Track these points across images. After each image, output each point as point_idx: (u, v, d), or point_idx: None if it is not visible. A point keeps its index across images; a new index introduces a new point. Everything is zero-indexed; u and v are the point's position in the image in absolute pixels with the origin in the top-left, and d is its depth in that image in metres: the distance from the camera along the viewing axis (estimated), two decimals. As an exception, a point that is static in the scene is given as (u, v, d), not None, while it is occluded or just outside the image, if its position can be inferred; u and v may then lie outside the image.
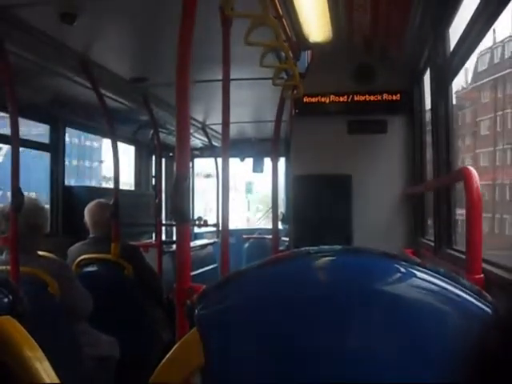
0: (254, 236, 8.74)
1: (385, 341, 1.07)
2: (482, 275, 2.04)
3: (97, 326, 3.50)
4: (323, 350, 1.08)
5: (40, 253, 3.31)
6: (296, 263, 1.14)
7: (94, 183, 29.13)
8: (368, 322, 1.07)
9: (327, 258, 1.13)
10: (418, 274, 1.10)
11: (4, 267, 3.02)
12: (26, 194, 3.19)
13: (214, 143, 7.41)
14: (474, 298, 1.09)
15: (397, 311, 1.07)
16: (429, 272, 1.11)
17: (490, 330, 1.08)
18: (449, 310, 1.08)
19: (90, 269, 4.11)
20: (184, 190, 1.94)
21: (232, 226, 3.08)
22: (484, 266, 2.10)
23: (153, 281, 4.41)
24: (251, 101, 5.57)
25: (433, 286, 1.09)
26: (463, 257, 2.50)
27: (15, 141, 3.21)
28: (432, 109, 3.66)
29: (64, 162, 5.16)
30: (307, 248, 1.14)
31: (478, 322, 1.07)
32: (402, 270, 1.11)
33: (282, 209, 7.28)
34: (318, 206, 4.90)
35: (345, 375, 1.07)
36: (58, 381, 1.24)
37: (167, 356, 1.12)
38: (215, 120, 6.36)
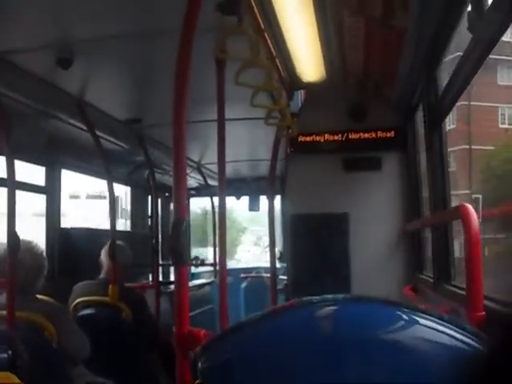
0: (252, 275, 8.70)
1: None
2: (483, 313, 2.02)
3: (93, 369, 3.44)
4: None
5: (38, 296, 3.28)
6: (299, 314, 1.12)
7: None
8: (371, 371, 1.06)
9: (330, 308, 1.12)
10: (421, 321, 1.09)
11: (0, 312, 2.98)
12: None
13: (209, 182, 7.42)
14: (475, 341, 1.07)
15: (399, 359, 1.05)
16: (432, 319, 1.09)
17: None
18: (453, 356, 1.06)
19: (87, 311, 4.07)
20: (182, 231, 1.93)
21: (232, 263, 3.06)
22: (485, 302, 2.09)
23: (151, 328, 4.35)
24: (246, 140, 5.60)
25: (436, 333, 1.08)
26: (463, 293, 2.49)
27: (11, 183, 3.20)
28: (426, 146, 3.69)
29: (60, 204, 5.15)
30: (310, 298, 1.12)
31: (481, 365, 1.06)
32: (405, 317, 1.09)
33: (279, 247, 7.26)
34: (315, 244, 4.88)
35: None
36: None
37: None
38: (211, 159, 6.38)
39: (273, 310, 1.13)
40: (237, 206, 9.51)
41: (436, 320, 1.09)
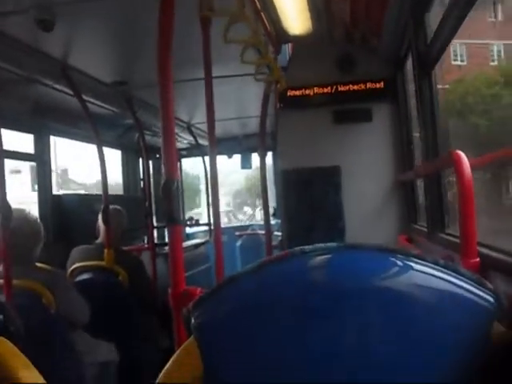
0: (247, 232, 8.74)
1: (384, 338, 1.06)
2: (477, 259, 2.03)
3: (93, 332, 3.48)
4: (322, 351, 1.06)
5: (37, 264, 3.29)
6: (291, 264, 1.11)
7: None
8: (366, 319, 1.06)
9: (323, 257, 1.11)
10: (417, 266, 1.08)
11: None
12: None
13: (200, 142, 7.38)
14: (476, 288, 1.07)
15: (396, 306, 1.05)
16: (427, 264, 1.09)
17: (493, 320, 1.07)
18: (450, 302, 1.06)
19: (84, 276, 4.09)
20: (173, 191, 1.93)
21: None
22: (479, 249, 2.10)
23: (149, 291, 4.37)
24: (235, 97, 5.55)
25: (432, 279, 1.07)
26: (457, 241, 2.50)
27: None
28: (416, 94, 3.66)
29: (51, 170, 5.12)
30: (302, 247, 1.12)
31: (481, 313, 1.06)
32: (400, 263, 1.09)
33: (272, 203, 7.28)
34: (308, 198, 4.89)
35: (344, 376, 1.05)
36: None
37: (167, 366, 1.10)
38: (200, 119, 6.33)
39: (264, 261, 1.12)
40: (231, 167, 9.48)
41: (431, 265, 1.08)
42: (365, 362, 1.05)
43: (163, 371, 1.10)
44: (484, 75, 21.99)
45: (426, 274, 1.08)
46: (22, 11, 3.07)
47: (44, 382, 1.19)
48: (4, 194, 3.11)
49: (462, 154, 2.14)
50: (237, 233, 8.59)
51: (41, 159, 5.00)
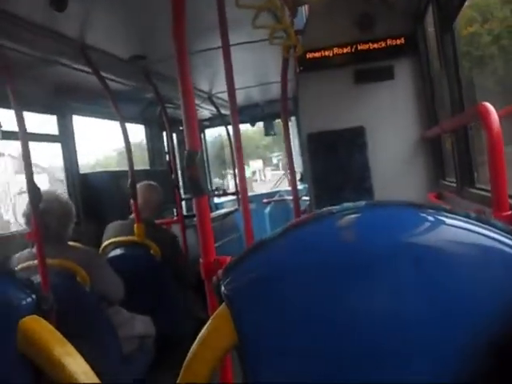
0: (274, 199, 8.74)
1: (417, 297, 1.04)
2: (510, 212, 2.00)
3: (128, 307, 3.53)
4: (356, 311, 1.05)
5: (69, 243, 3.33)
6: (320, 225, 1.10)
7: None
8: (400, 277, 1.04)
9: (351, 216, 1.10)
10: (448, 221, 1.06)
11: (32, 262, 3.04)
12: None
13: (222, 112, 7.35)
14: (510, 239, 1.05)
15: (430, 263, 1.04)
16: (458, 218, 1.07)
17: None
18: (484, 255, 1.04)
19: (116, 252, 4.14)
20: (197, 162, 1.92)
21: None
22: (511, 201, 2.06)
23: (182, 264, 4.39)
24: (254, 64, 5.50)
25: (465, 232, 1.05)
26: (488, 195, 2.46)
27: (23, 135, 3.19)
28: (438, 49, 3.58)
29: (76, 150, 5.16)
30: (330, 208, 1.10)
31: None
32: (431, 218, 1.07)
33: (299, 168, 7.26)
34: (334, 161, 4.86)
35: (376, 337, 1.04)
36: (91, 373, 1.23)
37: (200, 335, 1.10)
38: (221, 88, 6.30)
39: (292, 224, 1.11)
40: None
41: (463, 219, 1.06)
42: (399, 319, 1.04)
43: (197, 340, 1.10)
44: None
45: (458, 228, 1.06)
46: None
47: (81, 357, 1.21)
48: (31, 175, 3.14)
49: (490, 106, 2.09)
50: (264, 200, 8.60)
51: (65, 140, 5.03)
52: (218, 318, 1.10)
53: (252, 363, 1.09)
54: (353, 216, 1.10)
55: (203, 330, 1.11)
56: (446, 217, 1.07)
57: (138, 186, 4.40)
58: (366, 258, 1.05)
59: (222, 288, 1.10)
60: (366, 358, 1.04)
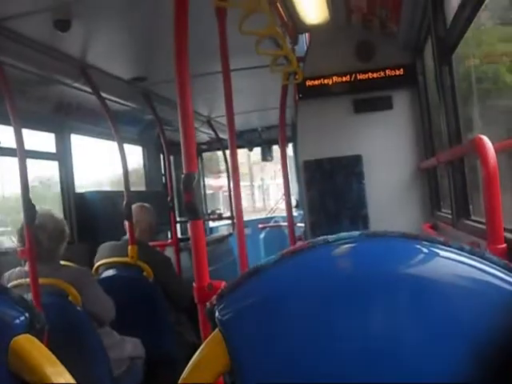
0: (270, 225, 8.73)
1: (411, 326, 1.04)
2: (504, 245, 2.00)
3: (119, 329, 3.50)
4: (349, 339, 1.05)
5: (62, 262, 3.32)
6: (315, 253, 1.10)
7: None
8: (392, 308, 1.04)
9: (347, 245, 1.10)
10: (442, 253, 1.07)
11: (24, 280, 3.02)
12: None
13: (220, 136, 7.38)
14: (503, 273, 1.05)
15: (422, 294, 1.04)
16: (453, 250, 1.07)
17: None
18: (477, 288, 1.04)
19: (109, 272, 4.11)
20: (194, 186, 1.93)
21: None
22: (506, 234, 2.06)
23: (175, 287, 4.36)
24: (254, 90, 5.54)
25: (459, 265, 1.05)
26: (483, 227, 2.47)
27: (21, 153, 3.20)
28: (436, 80, 3.61)
29: (73, 169, 5.16)
30: (325, 237, 1.11)
31: (509, 298, 1.04)
32: (425, 250, 1.07)
33: (294, 195, 7.26)
34: (330, 188, 4.87)
35: (370, 363, 1.04)
36: None
37: (192, 359, 1.10)
38: (220, 112, 6.33)
39: (288, 251, 1.11)
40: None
41: (457, 251, 1.07)
42: (391, 349, 1.04)
43: (189, 365, 1.09)
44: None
45: (451, 260, 1.06)
46: (39, 12, 3.09)
47: (72, 377, 1.19)
48: (27, 192, 3.14)
49: (486, 139, 2.10)
50: (260, 225, 8.59)
51: (63, 158, 5.04)
52: (212, 343, 1.09)
53: None
54: (348, 245, 1.10)
55: (196, 355, 1.10)
56: (440, 249, 1.07)
57: (132, 207, 4.39)
58: (360, 287, 1.05)
59: (216, 313, 1.09)
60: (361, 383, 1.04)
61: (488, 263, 1.06)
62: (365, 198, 4.84)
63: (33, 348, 1.16)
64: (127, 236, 4.28)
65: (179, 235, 6.16)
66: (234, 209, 2.90)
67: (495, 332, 1.02)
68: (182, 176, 1.93)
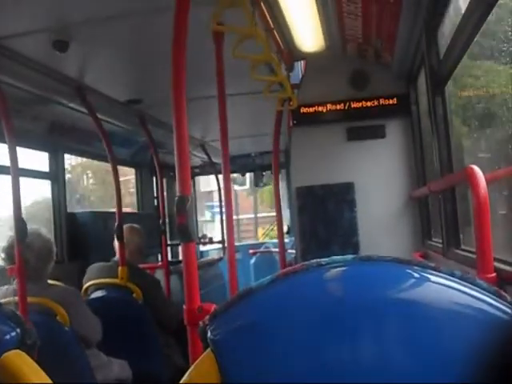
0: (260, 250, 8.72)
1: (402, 350, 1.05)
2: (494, 274, 2.01)
3: (107, 350, 3.47)
4: (339, 363, 1.06)
5: (49, 281, 3.30)
6: (308, 276, 1.12)
7: None
8: (383, 332, 1.05)
9: (340, 269, 1.12)
10: (433, 278, 1.08)
11: (12, 298, 3.01)
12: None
13: (213, 160, 7.40)
14: (493, 300, 1.06)
15: (413, 318, 1.05)
16: (444, 276, 1.08)
17: None
18: (467, 313, 1.05)
19: (98, 293, 4.09)
20: (187, 209, 1.93)
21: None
22: (496, 264, 2.08)
23: (164, 310, 4.34)
24: (249, 115, 5.58)
25: (449, 290, 1.07)
26: (473, 256, 2.48)
27: (15, 171, 3.20)
28: (429, 110, 3.65)
29: (65, 188, 5.15)
30: (318, 260, 1.12)
31: (499, 325, 1.05)
32: (416, 275, 1.09)
33: (286, 221, 7.26)
34: (322, 215, 4.88)
35: None
36: None
37: (184, 378, 1.10)
38: (214, 136, 6.36)
39: (281, 273, 1.12)
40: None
41: (448, 277, 1.08)
42: (380, 373, 1.04)
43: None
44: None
45: (443, 286, 1.07)
46: (38, 32, 3.11)
47: None
48: (19, 211, 3.13)
49: (477, 169, 2.13)
50: (250, 250, 8.58)
51: (55, 177, 5.03)
52: (203, 363, 1.09)
53: None
54: (341, 269, 1.12)
55: (187, 374, 1.10)
56: (432, 274, 1.08)
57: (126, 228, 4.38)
58: (351, 311, 1.06)
59: (209, 333, 1.10)
60: None
61: (478, 289, 1.07)
62: (356, 226, 4.85)
63: (23, 364, 1.15)
64: (116, 257, 4.27)
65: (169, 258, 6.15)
66: (225, 233, 2.90)
67: (485, 358, 1.03)
68: (176, 198, 1.94)
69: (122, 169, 6.17)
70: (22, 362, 1.15)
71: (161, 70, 2.49)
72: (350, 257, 1.12)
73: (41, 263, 3.25)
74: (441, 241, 3.70)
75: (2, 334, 1.15)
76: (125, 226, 4.38)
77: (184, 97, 2.00)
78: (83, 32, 3.20)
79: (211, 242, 8.26)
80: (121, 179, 4.53)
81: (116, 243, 4.31)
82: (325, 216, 4.88)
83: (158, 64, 2.85)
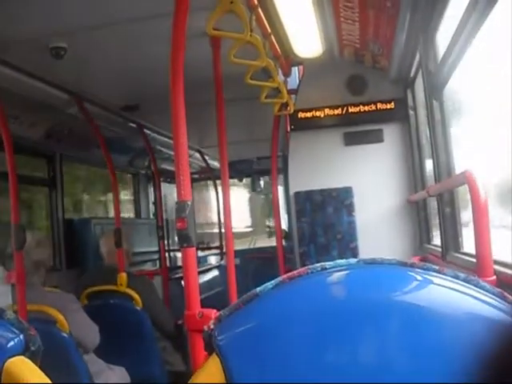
0: (258, 255, 8.70)
1: (407, 352, 1.05)
2: (494, 277, 2.01)
3: (105, 356, 3.46)
4: (344, 365, 1.05)
5: (47, 288, 3.29)
6: (313, 280, 1.12)
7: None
8: (387, 334, 1.05)
9: (344, 272, 1.12)
10: (437, 280, 1.08)
11: (10, 304, 3.00)
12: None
13: (211, 165, 7.40)
14: (498, 302, 1.06)
15: (418, 321, 1.05)
16: (448, 278, 1.08)
17: None
18: (472, 316, 1.05)
19: (97, 300, 4.08)
20: (187, 214, 1.93)
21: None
22: (495, 267, 2.08)
23: (161, 315, 4.32)
24: (246, 120, 5.58)
25: (454, 292, 1.07)
26: (473, 260, 2.48)
27: (13, 177, 3.20)
28: (427, 115, 3.66)
29: (63, 195, 5.15)
30: (323, 263, 1.12)
31: (504, 327, 1.04)
32: (420, 277, 1.09)
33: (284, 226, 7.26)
34: (320, 220, 4.88)
35: None
36: None
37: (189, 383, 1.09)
38: (212, 142, 6.35)
39: (286, 277, 1.12)
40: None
41: (452, 279, 1.08)
42: (385, 376, 1.04)
43: None
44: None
45: (447, 288, 1.07)
46: (35, 39, 3.11)
47: None
48: (18, 218, 3.13)
49: (475, 173, 2.13)
50: (248, 256, 8.56)
51: (53, 184, 5.03)
52: (209, 368, 1.09)
53: None
54: (346, 272, 1.12)
55: (192, 379, 1.10)
56: (435, 276, 1.08)
57: (106, 232, 4.37)
58: (356, 312, 1.06)
59: (214, 338, 1.09)
60: None
61: (483, 291, 1.07)
62: (355, 230, 4.85)
63: (27, 370, 1.14)
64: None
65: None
66: (224, 239, 2.90)
67: (491, 360, 1.02)
68: (175, 204, 1.94)
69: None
70: (26, 368, 1.15)
71: (158, 76, 2.50)
72: (353, 260, 1.12)
73: (36, 270, 3.24)
74: (440, 244, 3.70)
75: (6, 341, 1.15)
76: (109, 230, 4.34)
77: (183, 102, 2.00)
78: (80, 39, 3.20)
79: (209, 247, 8.26)
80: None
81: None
82: (323, 221, 4.87)
83: (155, 70, 2.85)
